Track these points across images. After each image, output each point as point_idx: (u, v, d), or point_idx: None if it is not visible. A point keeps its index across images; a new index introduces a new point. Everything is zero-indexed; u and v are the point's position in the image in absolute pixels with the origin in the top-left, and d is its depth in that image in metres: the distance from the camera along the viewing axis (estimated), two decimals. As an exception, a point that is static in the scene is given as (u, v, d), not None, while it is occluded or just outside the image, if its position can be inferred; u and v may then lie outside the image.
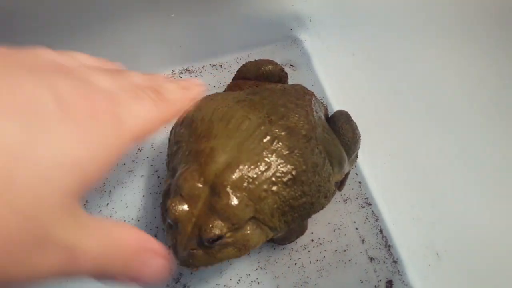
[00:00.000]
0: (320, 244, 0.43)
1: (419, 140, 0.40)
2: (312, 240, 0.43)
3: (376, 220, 0.45)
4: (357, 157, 0.43)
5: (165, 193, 0.36)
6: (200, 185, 0.32)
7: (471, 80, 0.31)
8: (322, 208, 0.36)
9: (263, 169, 0.32)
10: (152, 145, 0.48)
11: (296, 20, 0.51)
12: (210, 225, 0.31)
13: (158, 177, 0.46)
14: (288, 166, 0.33)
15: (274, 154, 0.33)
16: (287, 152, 0.33)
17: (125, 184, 0.46)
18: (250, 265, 0.42)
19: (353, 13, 0.44)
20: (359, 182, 0.47)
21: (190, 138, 0.35)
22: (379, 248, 0.44)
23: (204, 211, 0.31)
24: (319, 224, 0.44)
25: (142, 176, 0.46)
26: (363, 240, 0.44)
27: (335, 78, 0.48)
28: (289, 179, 0.33)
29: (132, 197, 0.45)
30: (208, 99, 0.39)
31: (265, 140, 0.33)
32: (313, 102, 0.39)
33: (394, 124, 0.44)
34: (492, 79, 0.30)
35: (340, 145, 0.39)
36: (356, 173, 0.47)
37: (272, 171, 0.32)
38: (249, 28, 0.50)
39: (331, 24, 0.48)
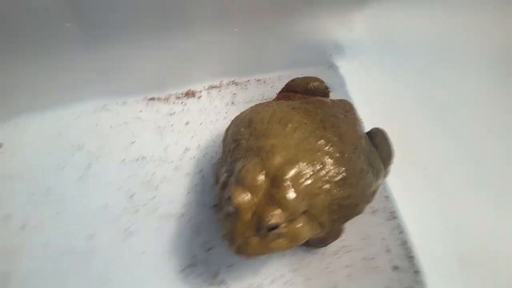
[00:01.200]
0: (350, 251, 0.46)
1: (448, 162, 0.44)
2: (343, 247, 0.46)
3: (400, 232, 0.48)
4: (389, 173, 0.47)
5: (222, 185, 0.39)
6: (262, 177, 0.35)
7: (504, 105, 0.36)
8: (361, 212, 0.40)
9: (318, 167, 0.36)
10: (199, 145, 0.52)
11: (336, 48, 0.57)
12: (270, 214, 0.34)
13: (203, 176, 0.50)
14: (340, 167, 0.36)
15: (328, 155, 0.37)
16: (338, 155, 0.37)
17: (171, 180, 0.49)
18: (284, 266, 0.45)
19: (390, 46, 0.50)
20: (386, 197, 0.50)
21: (250, 137, 0.39)
22: (402, 258, 0.46)
23: (264, 200, 0.34)
24: (349, 233, 0.47)
25: (187, 174, 0.50)
26: (388, 250, 0.47)
27: (367, 99, 0.53)
28: (340, 179, 0.36)
29: (177, 193, 0.48)
30: (264, 105, 0.44)
31: (319, 143, 0.37)
32: (357, 116, 0.43)
33: (422, 145, 0.48)
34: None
35: (378, 157, 0.43)
36: (384, 187, 0.50)
37: (326, 170, 0.36)
38: (293, 50, 0.56)
39: (367, 54, 0.54)
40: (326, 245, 0.44)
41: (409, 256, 0.46)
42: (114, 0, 0.42)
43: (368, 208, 0.48)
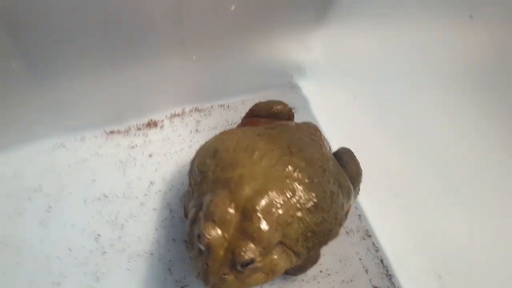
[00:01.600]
0: (329, 275, 0.46)
1: (415, 175, 0.45)
2: (321, 271, 0.46)
3: (377, 251, 0.48)
4: (359, 191, 0.47)
5: (191, 221, 0.37)
6: (232, 211, 0.34)
7: (470, 124, 0.37)
8: (336, 236, 0.39)
9: (289, 195, 0.35)
10: (164, 178, 0.50)
11: (297, 69, 0.57)
12: (244, 248, 0.32)
13: (171, 210, 0.48)
14: (310, 193, 0.36)
15: (297, 182, 0.36)
16: (307, 180, 0.37)
17: (138, 217, 0.47)
18: (263, 296, 0.44)
19: (349, 64, 0.51)
20: (359, 215, 0.50)
21: (216, 168, 0.38)
22: (381, 277, 0.46)
23: (236, 235, 0.33)
24: (326, 256, 0.46)
25: (154, 209, 0.47)
26: (366, 270, 0.46)
27: (331, 119, 0.54)
28: (312, 206, 0.35)
29: (144, 230, 0.46)
30: (228, 133, 0.43)
31: (287, 169, 0.37)
32: (323, 138, 0.43)
33: (390, 161, 0.48)
34: (494, 121, 0.36)
35: (347, 178, 0.43)
36: (356, 206, 0.51)
37: (296, 197, 0.35)
38: (255, 74, 0.56)
39: (328, 73, 0.55)
40: (305, 271, 0.43)
41: (388, 275, 0.46)
42: (59, 35, 0.40)
43: (342, 229, 0.48)
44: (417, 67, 0.44)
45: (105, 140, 0.52)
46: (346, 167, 0.43)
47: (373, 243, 0.48)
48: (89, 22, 0.39)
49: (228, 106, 0.57)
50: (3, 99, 0.44)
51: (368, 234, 0.49)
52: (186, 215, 0.46)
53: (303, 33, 0.51)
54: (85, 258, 0.44)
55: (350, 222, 0.49)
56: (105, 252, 0.44)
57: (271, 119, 0.48)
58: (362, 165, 0.45)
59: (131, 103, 0.52)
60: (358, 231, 0.49)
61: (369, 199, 0.49)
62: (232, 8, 0.41)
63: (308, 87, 0.59)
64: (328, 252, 0.46)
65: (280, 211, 0.34)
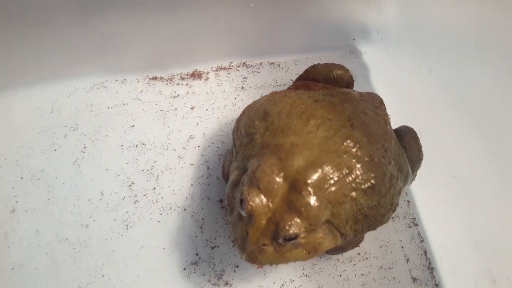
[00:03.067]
0: (366, 258, 0.43)
1: (481, 167, 0.40)
2: (359, 254, 0.43)
3: (421, 241, 0.44)
4: (415, 176, 0.43)
5: (233, 183, 0.34)
6: (279, 180, 0.31)
7: None
8: (387, 222, 0.36)
9: (345, 172, 0.32)
10: (204, 134, 0.47)
11: (362, 31, 0.51)
12: (289, 222, 0.29)
13: (208, 167, 0.45)
14: (369, 173, 0.32)
15: (355, 159, 0.32)
16: (367, 159, 0.33)
17: (174, 170, 0.45)
18: (295, 271, 0.41)
19: (424, 34, 0.45)
20: (408, 202, 0.46)
21: (266, 131, 0.34)
22: (422, 269, 0.43)
23: (281, 206, 0.30)
24: (367, 239, 0.43)
25: (191, 164, 0.45)
26: (407, 259, 0.43)
27: (393, 93, 0.48)
28: (369, 187, 0.32)
29: (179, 185, 0.44)
30: (281, 95, 0.39)
31: (346, 143, 0.33)
32: (387, 113, 0.38)
33: (452, 150, 0.44)
34: None
35: (407, 160, 0.39)
36: (406, 192, 0.46)
37: (353, 176, 0.32)
38: (312, 31, 0.50)
39: (398, 40, 0.49)
40: (344, 252, 0.41)
41: (430, 268, 0.42)
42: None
43: (389, 215, 0.45)
44: (504, 50, 0.38)
45: (147, 86, 0.49)
46: (406, 149, 0.39)
47: (419, 232, 0.44)
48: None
49: (279, 65, 0.52)
50: (47, 29, 0.41)
51: (415, 222, 0.45)
52: (224, 175, 0.44)
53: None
54: (117, 204, 0.43)
55: (397, 208, 0.45)
56: (137, 201, 0.43)
57: (328, 85, 0.43)
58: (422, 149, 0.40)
59: (177, 50, 0.48)
60: (404, 217, 0.45)
61: (423, 186, 0.45)
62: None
63: (372, 53, 0.53)
64: (370, 236, 0.43)
65: (333, 188, 0.31)
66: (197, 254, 0.41)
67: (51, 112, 0.46)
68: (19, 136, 0.45)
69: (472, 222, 0.41)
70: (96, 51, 0.45)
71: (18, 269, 0.39)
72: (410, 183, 0.41)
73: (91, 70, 0.47)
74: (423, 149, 0.41)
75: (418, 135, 0.41)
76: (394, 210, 0.36)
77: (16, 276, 0.39)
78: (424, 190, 0.45)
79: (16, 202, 0.42)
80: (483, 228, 0.40)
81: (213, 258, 0.41)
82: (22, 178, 0.43)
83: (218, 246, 0.42)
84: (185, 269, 0.41)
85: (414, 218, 0.45)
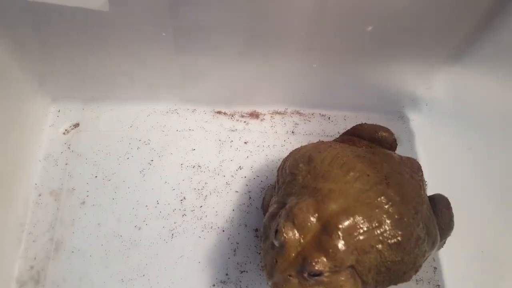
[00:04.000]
0: (384, 314, 0.44)
1: (507, 246, 0.41)
2: (377, 308, 0.44)
3: (443, 310, 0.45)
4: (444, 244, 0.44)
5: (271, 215, 0.39)
6: (313, 219, 0.35)
7: None
8: (408, 280, 0.38)
9: (374, 225, 0.35)
10: (252, 167, 0.53)
11: (411, 100, 0.55)
12: (316, 259, 0.33)
13: (250, 197, 0.50)
14: (397, 230, 0.35)
15: (386, 215, 0.35)
16: (397, 217, 0.36)
17: (220, 194, 0.50)
18: (313, 309, 0.44)
19: (468, 112, 0.48)
20: (435, 268, 0.47)
21: (308, 174, 0.39)
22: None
23: (311, 244, 0.34)
24: (387, 295, 0.45)
25: (236, 191, 0.51)
26: (426, 324, 0.44)
27: (435, 162, 0.51)
28: (395, 243, 0.35)
29: (223, 208, 0.49)
30: (327, 145, 0.43)
31: (380, 199, 0.36)
32: (423, 179, 0.41)
33: (483, 224, 0.45)
34: None
35: (437, 226, 0.41)
36: (434, 258, 0.48)
37: (381, 229, 0.35)
38: (364, 93, 0.55)
39: (444, 114, 0.52)
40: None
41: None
42: (208, 21, 0.44)
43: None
44: None
45: (211, 117, 0.56)
46: (438, 216, 0.41)
47: (441, 301, 0.45)
48: (236, 15, 0.43)
49: (329, 118, 0.58)
50: (143, 59, 0.50)
51: (438, 290, 0.46)
52: (263, 207, 0.49)
53: (429, 68, 0.49)
54: (168, 214, 0.49)
55: (423, 272, 0.47)
56: (185, 214, 0.49)
57: (373, 144, 0.47)
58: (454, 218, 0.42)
59: (242, 91, 0.55)
60: (429, 283, 0.46)
61: (451, 255, 0.46)
62: (369, 29, 0.41)
63: (418, 121, 0.56)
64: (390, 293, 0.45)
65: (361, 237, 0.34)
66: (227, 274, 0.46)
67: (131, 126, 0.54)
68: (101, 141, 0.53)
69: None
70: (177, 82, 0.53)
71: (76, 253, 0.46)
72: (438, 249, 0.43)
73: (169, 97, 0.55)
74: (454, 218, 0.42)
75: (452, 205, 0.43)
76: (417, 271, 0.38)
77: (73, 258, 0.46)
78: (451, 259, 0.46)
79: (87, 196, 0.49)
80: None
81: (240, 281, 0.45)
82: (96, 177, 0.50)
83: (247, 271, 0.46)
84: (214, 285, 0.45)
85: (438, 286, 0.46)
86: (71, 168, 0.51)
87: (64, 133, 0.54)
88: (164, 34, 0.44)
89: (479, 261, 0.44)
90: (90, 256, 0.46)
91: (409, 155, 0.53)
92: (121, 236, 0.47)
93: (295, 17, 0.42)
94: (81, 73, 0.52)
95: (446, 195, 0.43)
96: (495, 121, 0.45)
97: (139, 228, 0.47)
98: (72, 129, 0.54)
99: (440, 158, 0.51)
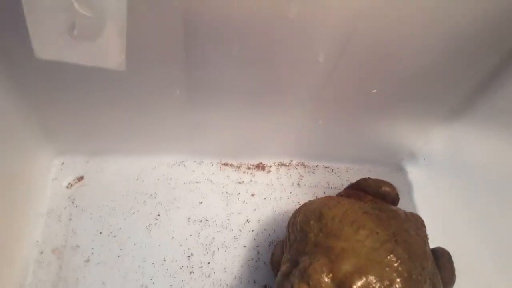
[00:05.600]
0: None
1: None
2: None
3: None
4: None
5: (283, 274, 0.39)
6: (328, 280, 0.35)
7: None
8: (418, 338, 0.38)
9: (386, 284, 0.35)
10: (259, 220, 0.53)
11: (410, 154, 0.58)
12: (333, 322, 0.33)
13: (258, 252, 0.50)
14: (407, 288, 0.36)
15: (396, 273, 0.36)
16: (406, 275, 0.36)
17: (228, 249, 0.50)
18: None
19: (465, 166, 0.50)
20: (442, 322, 0.48)
21: (320, 233, 0.40)
22: None
23: (327, 305, 0.34)
24: None
25: (244, 246, 0.51)
26: None
27: (432, 213, 0.53)
28: (406, 301, 0.35)
29: (231, 264, 0.49)
30: (335, 200, 0.44)
31: (389, 257, 0.37)
32: (427, 234, 0.43)
33: (485, 277, 0.46)
34: None
35: (441, 281, 0.42)
36: (440, 311, 0.48)
37: (393, 288, 0.36)
38: (366, 147, 0.58)
39: (441, 169, 0.54)
40: None
41: None
42: (220, 77, 0.46)
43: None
44: None
45: (218, 169, 0.57)
46: (441, 269, 0.42)
47: None
48: (246, 71, 0.45)
49: (332, 170, 0.60)
50: (151, 114, 0.51)
51: None
52: (272, 263, 0.49)
53: (427, 124, 0.52)
54: (175, 271, 0.48)
55: (430, 326, 0.47)
56: (193, 272, 0.48)
57: (376, 198, 0.49)
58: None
59: (249, 144, 0.57)
60: (438, 339, 0.46)
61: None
62: (373, 91, 0.44)
63: (416, 174, 0.59)
64: None
65: (375, 297, 0.35)
66: (236, 334, 0.45)
67: (137, 180, 0.55)
68: (106, 195, 0.53)
69: None
70: (184, 135, 0.54)
71: (80, 315, 0.44)
72: (441, 304, 0.44)
73: (176, 149, 0.56)
74: (456, 272, 0.43)
75: (452, 258, 0.44)
76: (426, 327, 0.38)
77: (77, 321, 0.44)
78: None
79: (92, 253, 0.48)
80: None
81: None
82: (101, 233, 0.50)
83: (257, 330, 0.45)
84: None
85: None
86: (75, 224, 0.50)
87: (67, 187, 0.53)
88: (178, 92, 0.46)
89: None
90: (95, 317, 0.44)
91: (408, 206, 0.55)
92: (127, 295, 0.46)
93: (304, 74, 0.45)
94: (88, 127, 0.53)
95: (446, 248, 0.44)
96: (489, 178, 0.48)
97: (146, 287, 0.47)
98: (76, 182, 0.54)
99: (438, 209, 0.53)
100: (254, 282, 0.48)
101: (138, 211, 0.52)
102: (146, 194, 0.54)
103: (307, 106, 0.50)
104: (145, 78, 0.45)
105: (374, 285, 0.35)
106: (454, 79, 0.44)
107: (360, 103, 0.48)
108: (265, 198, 0.55)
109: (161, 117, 0.52)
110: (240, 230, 0.52)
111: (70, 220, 0.51)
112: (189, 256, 0.49)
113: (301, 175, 0.58)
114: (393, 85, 0.44)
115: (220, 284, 0.47)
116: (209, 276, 0.48)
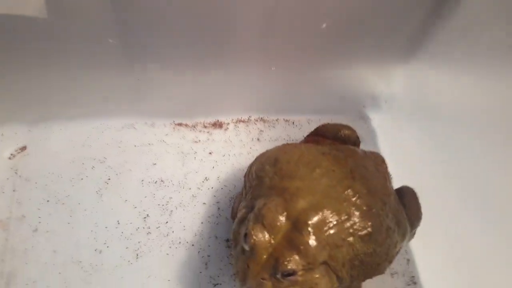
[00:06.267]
0: (363, 313, 0.43)
1: (478, 230, 0.42)
2: (356, 307, 0.43)
3: (420, 301, 0.45)
4: (414, 235, 0.44)
5: (240, 220, 0.37)
6: (283, 218, 0.34)
7: None
8: (383, 272, 0.37)
9: (344, 218, 0.34)
10: (218, 177, 0.51)
11: (371, 99, 0.57)
12: (288, 258, 0.32)
13: (219, 208, 0.49)
14: (366, 221, 0.35)
15: (354, 207, 0.35)
16: (365, 208, 0.35)
17: (187, 207, 0.48)
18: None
19: (430, 106, 0.50)
20: (408, 260, 0.47)
21: (275, 176, 0.38)
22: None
23: (282, 243, 0.33)
24: (365, 293, 0.44)
25: (204, 203, 0.49)
26: (405, 319, 0.43)
27: (397, 156, 0.52)
28: (365, 234, 0.34)
29: (191, 222, 0.47)
30: (292, 146, 0.43)
31: (347, 192, 0.36)
32: (388, 171, 0.42)
33: (453, 211, 0.45)
34: None
35: (406, 217, 0.41)
36: (406, 250, 0.48)
37: (351, 222, 0.34)
38: (326, 96, 0.56)
39: (404, 110, 0.54)
40: (338, 301, 0.41)
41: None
42: (157, 27, 0.43)
43: (387, 269, 0.46)
44: (497, 127, 0.42)
45: (172, 130, 0.54)
46: (406, 207, 0.41)
47: (417, 292, 0.45)
48: (185, 21, 0.42)
49: (293, 123, 0.58)
50: (89, 72, 0.48)
51: (413, 281, 0.46)
52: (232, 217, 0.47)
53: (386, 66, 0.51)
54: (130, 234, 0.46)
55: (397, 265, 0.46)
56: (150, 232, 0.46)
57: (337, 142, 0.47)
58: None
59: (203, 101, 0.54)
60: (403, 275, 0.46)
61: (422, 245, 0.46)
62: (323, 26, 0.42)
63: (379, 120, 0.58)
64: (368, 289, 0.44)
65: (332, 231, 0.34)
66: (199, 291, 0.43)
67: (83, 146, 0.51)
68: (52, 163, 0.49)
69: (470, 283, 0.41)
70: (132, 95, 0.51)
71: (31, 285, 0.42)
72: (409, 240, 0.43)
73: (124, 111, 0.53)
74: (423, 209, 0.43)
75: (419, 195, 0.44)
76: (391, 262, 0.37)
77: (27, 293, 0.41)
78: (423, 249, 0.47)
79: (39, 222, 0.45)
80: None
81: (214, 296, 0.43)
82: (48, 201, 0.47)
83: (221, 284, 0.43)
84: (186, 304, 0.42)
85: (413, 277, 0.46)
86: (20, 195, 0.47)
87: (9, 158, 0.49)
88: (111, 41, 0.42)
89: (450, 250, 0.45)
90: (48, 287, 0.42)
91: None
92: (80, 262, 0.43)
93: (247, 20, 0.42)
94: (24, 93, 0.48)
95: (412, 187, 0.44)
96: (452, 113, 0.47)
97: (100, 252, 0.44)
98: (18, 152, 0.50)
99: (403, 152, 0.52)
100: (216, 237, 0.46)
101: (86, 176, 0.49)
102: (94, 159, 0.50)
103: (256, 53, 0.47)
104: (72, 27, 0.41)
105: (330, 219, 0.34)
106: (406, 8, 0.43)
107: (311, 43, 0.46)
108: (223, 155, 0.53)
109: (101, 75, 0.48)
110: (199, 188, 0.50)
111: (14, 191, 0.47)
112: (145, 218, 0.47)
113: (261, 130, 0.56)
114: (342, 17, 0.42)
115: (179, 242, 0.45)
116: (167, 235, 0.46)
